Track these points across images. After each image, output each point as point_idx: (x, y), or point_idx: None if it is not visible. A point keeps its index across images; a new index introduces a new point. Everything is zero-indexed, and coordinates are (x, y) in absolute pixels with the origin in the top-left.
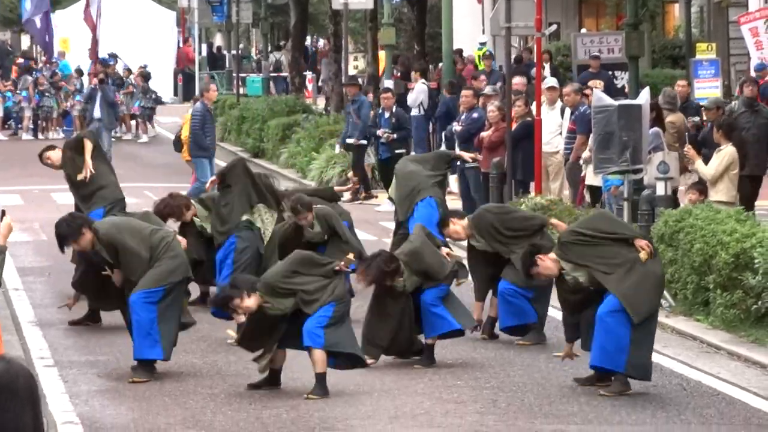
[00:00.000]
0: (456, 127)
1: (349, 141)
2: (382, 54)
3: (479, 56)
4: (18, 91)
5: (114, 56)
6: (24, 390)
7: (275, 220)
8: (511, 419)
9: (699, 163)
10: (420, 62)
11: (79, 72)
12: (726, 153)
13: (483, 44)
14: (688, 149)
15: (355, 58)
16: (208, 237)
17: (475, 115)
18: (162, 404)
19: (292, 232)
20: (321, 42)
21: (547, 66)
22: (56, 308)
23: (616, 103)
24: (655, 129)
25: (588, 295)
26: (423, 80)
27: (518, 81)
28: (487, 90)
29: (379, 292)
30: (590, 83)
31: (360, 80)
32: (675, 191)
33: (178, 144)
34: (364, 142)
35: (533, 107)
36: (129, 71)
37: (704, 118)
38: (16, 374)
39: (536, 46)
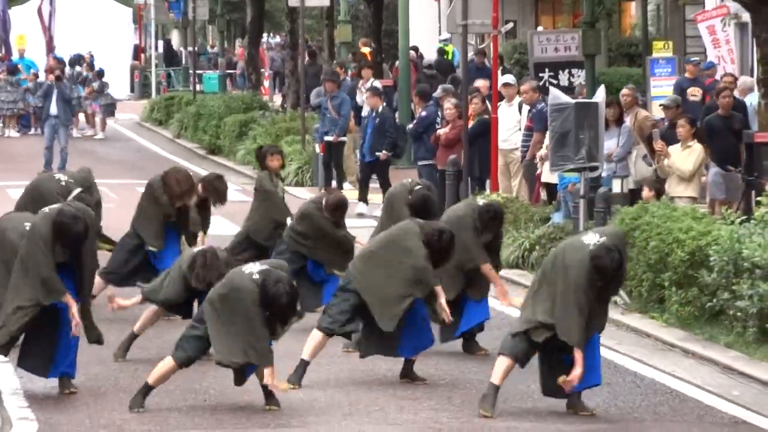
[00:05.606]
0: (410, 125)
1: (329, 138)
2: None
3: (447, 51)
4: None
5: (81, 57)
6: None
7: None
8: (465, 416)
9: (675, 160)
10: (363, 60)
11: (36, 75)
12: (699, 149)
13: (445, 41)
14: (662, 146)
15: None
16: None
17: (423, 113)
18: (117, 400)
19: None
20: (277, 38)
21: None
22: None
23: (573, 101)
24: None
25: None
26: (373, 79)
27: (482, 84)
28: (438, 91)
29: None
30: (689, 91)
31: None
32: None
33: None
34: (344, 139)
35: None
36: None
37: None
38: None
39: (492, 44)
